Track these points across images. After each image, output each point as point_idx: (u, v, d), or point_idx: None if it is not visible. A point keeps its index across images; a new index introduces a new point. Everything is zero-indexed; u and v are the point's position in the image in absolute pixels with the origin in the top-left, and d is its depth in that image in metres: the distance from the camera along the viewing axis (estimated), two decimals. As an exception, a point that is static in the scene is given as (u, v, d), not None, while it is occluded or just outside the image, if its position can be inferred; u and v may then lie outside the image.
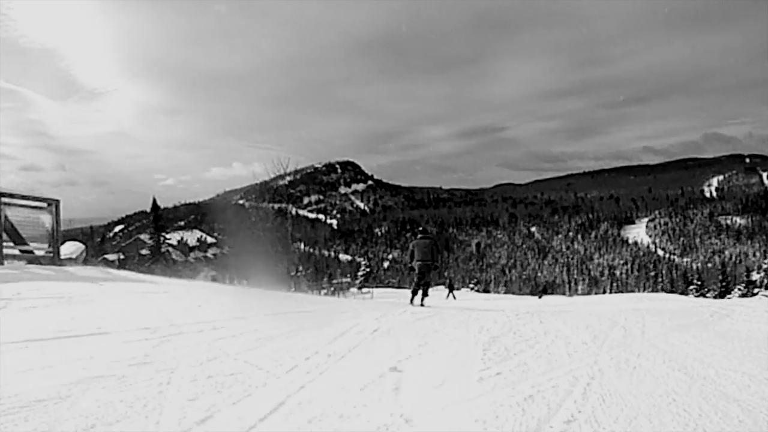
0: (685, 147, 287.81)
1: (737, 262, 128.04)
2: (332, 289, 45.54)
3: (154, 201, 56.46)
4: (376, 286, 78.11)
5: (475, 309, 11.05)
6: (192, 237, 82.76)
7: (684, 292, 58.81)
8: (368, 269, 77.22)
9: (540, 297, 51.61)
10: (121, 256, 54.77)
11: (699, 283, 60.21)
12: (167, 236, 63.00)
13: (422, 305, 11.88)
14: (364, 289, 59.72)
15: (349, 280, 67.55)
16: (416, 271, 12.42)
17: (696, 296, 52.35)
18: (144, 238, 63.23)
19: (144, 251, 56.74)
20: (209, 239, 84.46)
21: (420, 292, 12.24)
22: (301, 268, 56.78)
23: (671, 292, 65.76)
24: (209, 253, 78.87)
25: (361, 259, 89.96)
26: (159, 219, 56.57)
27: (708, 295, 55.70)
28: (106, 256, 54.22)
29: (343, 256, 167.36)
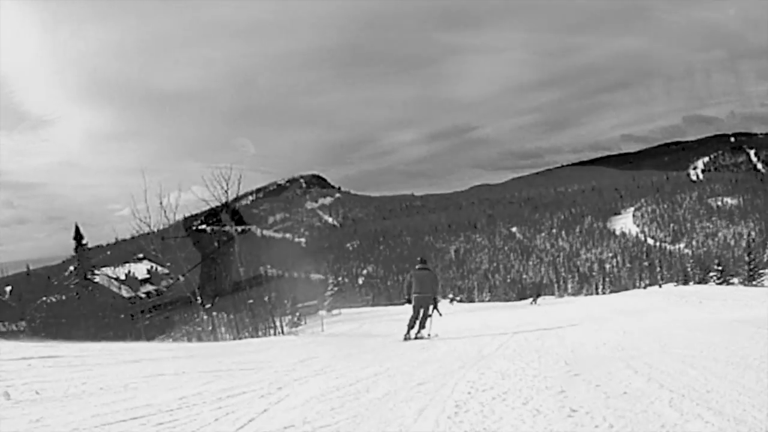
0: (665, 132, 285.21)
1: (733, 243, 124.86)
2: (274, 325, 41.93)
3: (77, 231, 50.75)
4: (350, 306, 74.10)
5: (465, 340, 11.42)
6: (141, 269, 78.39)
7: (703, 280, 54.42)
8: (336, 288, 72.73)
9: (534, 301, 47.43)
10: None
11: (720, 268, 54.98)
12: (111, 271, 59.09)
13: (417, 337, 12.84)
14: (334, 311, 58.54)
15: (316, 302, 63.16)
16: (414, 304, 13.33)
17: (718, 284, 48.25)
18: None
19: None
20: (161, 270, 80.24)
21: (417, 324, 13.10)
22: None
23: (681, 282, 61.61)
24: (162, 285, 74.64)
25: (329, 277, 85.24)
26: (84, 254, 51.13)
27: (734, 281, 51.31)
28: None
29: (314, 276, 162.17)
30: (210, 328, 31.36)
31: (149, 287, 72.05)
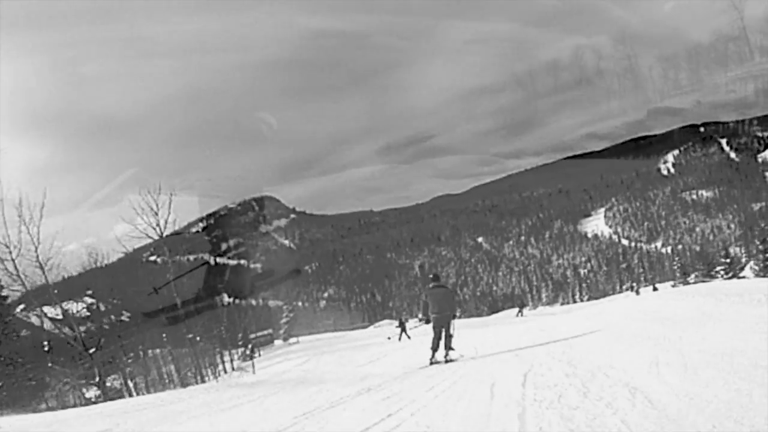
0: (630, 127, 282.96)
1: (712, 238, 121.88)
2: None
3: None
4: (310, 332, 71.12)
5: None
6: (79, 307, 73.05)
7: (709, 275, 49.51)
8: (292, 314, 68.85)
9: (520, 313, 46.41)
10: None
11: (728, 261, 49.73)
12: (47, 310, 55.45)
13: (446, 360, 13.01)
14: (291, 339, 59.23)
15: (270, 331, 63.38)
16: (434, 325, 13.54)
17: (727, 278, 43.57)
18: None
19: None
20: (102, 306, 75.35)
21: (441, 345, 13.29)
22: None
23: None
24: (104, 323, 71.31)
25: (283, 303, 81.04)
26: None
27: (744, 275, 46.25)
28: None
29: (273, 303, 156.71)
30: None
31: (91, 325, 68.04)
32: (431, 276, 14.89)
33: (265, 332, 62.79)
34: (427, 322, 13.84)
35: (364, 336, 46.15)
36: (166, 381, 39.96)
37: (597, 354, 10.76)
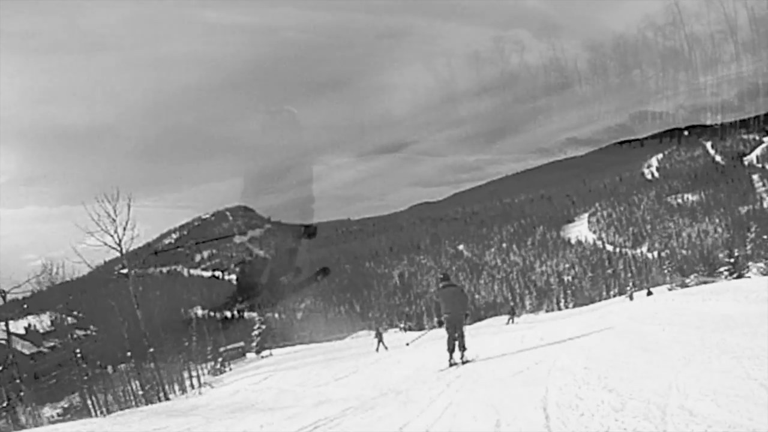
0: (612, 132, 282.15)
1: (699, 242, 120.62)
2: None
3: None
4: (285, 344, 69.27)
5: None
6: (43, 321, 70.60)
7: (712, 276, 47.22)
8: (264, 326, 66.08)
9: (511, 320, 43.84)
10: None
11: (731, 260, 47.28)
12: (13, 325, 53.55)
13: (463, 362, 12.99)
14: (264, 352, 57.37)
15: (241, 344, 61.68)
16: (446, 326, 13.43)
17: (734, 278, 41.25)
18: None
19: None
20: (69, 320, 73.17)
21: (456, 345, 13.18)
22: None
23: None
24: (70, 338, 69.15)
25: (256, 314, 78.94)
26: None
27: (749, 275, 43.85)
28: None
29: (249, 314, 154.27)
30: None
31: (55, 340, 65.53)
32: (441, 276, 14.79)
33: (236, 345, 60.20)
34: (440, 324, 13.72)
35: (339, 347, 43.95)
36: (131, 398, 38.01)
37: (637, 372, 8.11)
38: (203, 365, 52.05)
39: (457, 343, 13.37)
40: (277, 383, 19.11)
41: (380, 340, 34.17)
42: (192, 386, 38.83)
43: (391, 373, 14.20)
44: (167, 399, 30.89)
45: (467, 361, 13.35)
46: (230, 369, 49.19)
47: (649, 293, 40.92)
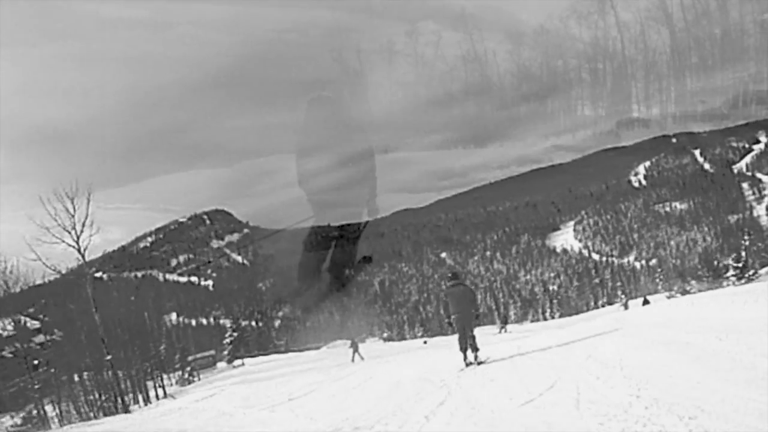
0: (598, 139, 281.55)
1: (687, 252, 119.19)
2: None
3: None
4: (257, 354, 68.36)
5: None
6: (7, 326, 67.81)
7: (718, 275, 45.04)
8: (236, 333, 63.22)
9: (504, 328, 42.51)
10: None
11: (739, 265, 44.94)
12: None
13: (477, 362, 12.60)
14: (236, 362, 54.08)
15: (212, 353, 58.03)
16: (456, 326, 12.88)
17: (739, 284, 38.96)
18: None
19: None
20: (31, 323, 70.56)
21: (469, 346, 12.71)
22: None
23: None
24: (33, 343, 66.75)
25: (228, 321, 76.35)
26: None
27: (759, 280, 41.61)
28: None
29: (224, 321, 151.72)
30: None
31: (16, 346, 63.22)
32: (450, 275, 14.20)
33: (207, 354, 57.56)
34: (449, 324, 13.33)
35: (314, 358, 41.63)
36: (93, 408, 35.62)
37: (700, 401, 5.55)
38: (171, 375, 49.93)
39: (469, 346, 12.88)
40: (222, 402, 16.44)
41: (355, 351, 32.36)
42: (157, 397, 36.90)
43: (357, 394, 11.70)
44: (126, 411, 28.80)
45: (481, 362, 12.95)
46: (198, 379, 46.54)
47: (646, 302, 38.48)
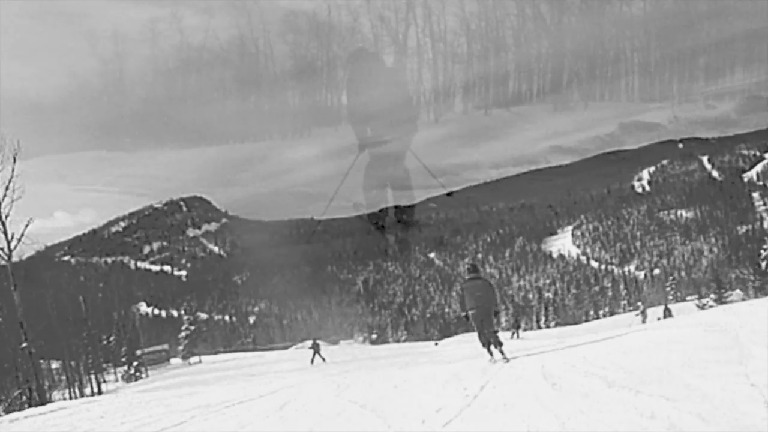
0: (600, 141, 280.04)
1: (692, 262, 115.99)
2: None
3: None
4: (221, 350, 69.08)
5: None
6: None
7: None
8: (193, 327, 58.85)
9: (516, 334, 39.76)
10: None
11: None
12: None
13: (505, 358, 11.79)
14: (193, 359, 52.22)
15: (165, 347, 55.64)
16: (473, 322, 12.33)
17: None
18: None
19: None
20: None
21: (491, 342, 12.14)
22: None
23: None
24: None
25: (185, 314, 72.83)
26: None
27: None
28: None
29: (199, 314, 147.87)
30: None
31: None
32: (469, 267, 12.90)
33: (159, 348, 53.16)
34: (466, 318, 12.41)
35: (275, 359, 37.62)
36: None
37: None
38: (118, 368, 46.94)
39: (492, 341, 11.99)
40: (98, 411, 12.43)
41: (316, 352, 30.11)
42: (94, 392, 34.47)
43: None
44: (41, 404, 25.30)
45: (505, 358, 11.91)
46: (147, 375, 43.35)
47: (668, 314, 33.63)
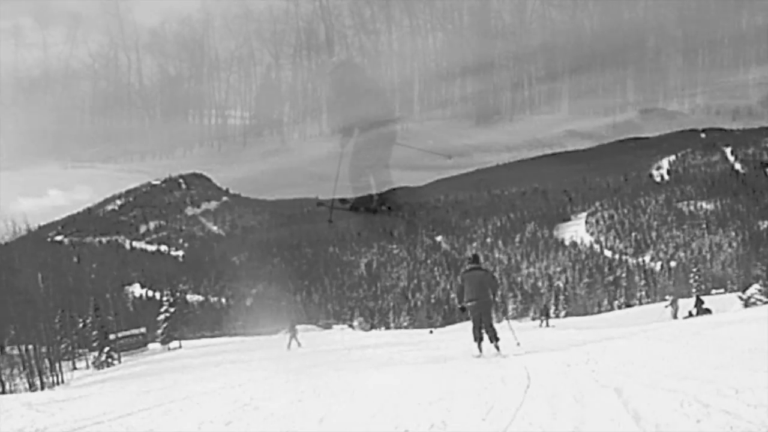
0: (618, 127, 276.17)
1: (709, 256, 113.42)
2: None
3: None
4: (201, 335, 69.25)
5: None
6: None
7: None
8: (173, 309, 56.34)
9: (545, 322, 38.72)
10: None
11: None
12: None
13: (498, 351, 11.75)
14: (173, 343, 49.94)
15: (142, 331, 51.98)
16: (471, 314, 12.24)
17: None
18: None
19: None
20: None
21: (486, 336, 12.03)
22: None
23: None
24: None
25: (163, 295, 71.35)
26: None
27: None
28: None
29: (192, 297, 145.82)
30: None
31: None
32: (470, 257, 12.85)
33: (136, 332, 50.67)
34: (462, 310, 12.46)
35: (258, 345, 35.57)
36: None
37: None
38: (91, 353, 44.61)
39: (486, 335, 11.76)
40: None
41: (293, 336, 30.02)
42: (58, 381, 31.84)
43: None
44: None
45: (499, 352, 11.61)
46: (119, 361, 41.10)
47: (701, 308, 30.37)
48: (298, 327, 32.41)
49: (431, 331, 45.59)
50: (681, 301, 33.51)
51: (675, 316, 29.90)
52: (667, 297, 42.21)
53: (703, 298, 33.72)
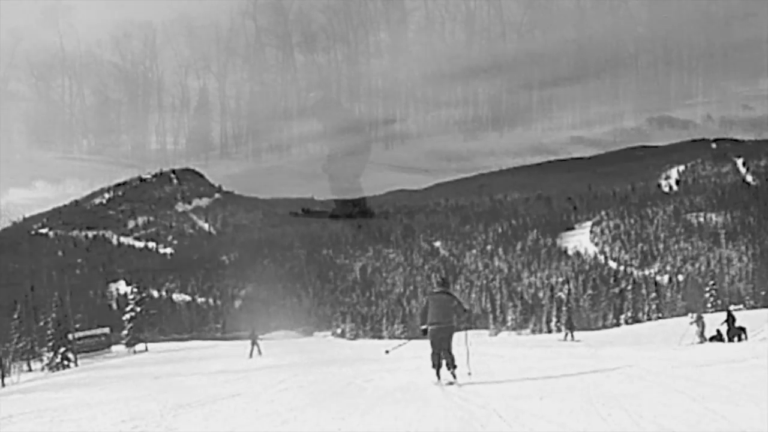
0: (626, 135, 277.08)
1: (718, 270, 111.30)
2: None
3: None
4: (173, 338, 69.53)
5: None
6: None
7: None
8: (140, 309, 53.52)
9: (570, 335, 36.71)
10: None
11: None
12: None
13: (453, 381, 11.22)
14: (139, 346, 48.79)
15: (105, 331, 50.82)
16: (430, 338, 11.53)
17: None
18: None
19: None
20: None
21: (443, 363, 11.39)
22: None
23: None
24: None
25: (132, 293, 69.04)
26: None
27: None
28: None
29: (178, 296, 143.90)
30: None
31: None
32: (440, 279, 11.91)
33: (98, 332, 48.36)
34: (424, 333, 11.47)
35: (223, 352, 33.61)
36: None
37: None
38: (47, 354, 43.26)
39: (444, 361, 11.10)
40: None
41: (254, 344, 29.75)
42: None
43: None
44: None
45: (454, 382, 11.00)
46: (76, 364, 39.74)
47: (734, 326, 27.24)
48: (279, 333, 30.78)
49: (387, 351, 42.39)
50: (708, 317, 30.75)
51: (702, 335, 26.95)
52: (689, 314, 39.36)
53: (714, 315, 31.34)
